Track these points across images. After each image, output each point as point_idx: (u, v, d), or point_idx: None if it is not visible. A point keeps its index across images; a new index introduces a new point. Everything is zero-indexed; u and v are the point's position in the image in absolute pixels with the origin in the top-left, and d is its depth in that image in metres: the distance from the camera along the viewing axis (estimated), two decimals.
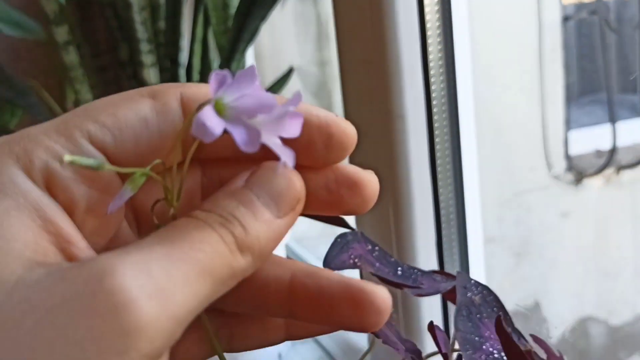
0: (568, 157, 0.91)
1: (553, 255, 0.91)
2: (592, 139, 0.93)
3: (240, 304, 0.23)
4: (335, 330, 0.24)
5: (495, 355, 0.29)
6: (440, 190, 0.54)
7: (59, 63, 0.87)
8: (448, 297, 0.34)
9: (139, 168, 0.20)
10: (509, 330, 0.27)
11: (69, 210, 0.20)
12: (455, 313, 0.30)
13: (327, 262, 0.31)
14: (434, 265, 0.55)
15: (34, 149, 0.19)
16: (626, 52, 0.92)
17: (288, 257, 1.03)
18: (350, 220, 0.55)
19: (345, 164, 0.23)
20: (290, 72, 0.84)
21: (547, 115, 0.88)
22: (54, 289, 0.17)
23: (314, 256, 0.99)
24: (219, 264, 0.19)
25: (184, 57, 0.78)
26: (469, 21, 0.54)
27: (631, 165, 0.92)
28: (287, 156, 0.20)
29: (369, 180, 0.23)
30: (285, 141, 0.20)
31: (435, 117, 0.52)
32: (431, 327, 0.31)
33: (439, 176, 0.53)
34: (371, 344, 0.32)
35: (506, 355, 0.27)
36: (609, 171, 0.92)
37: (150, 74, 0.76)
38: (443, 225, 0.54)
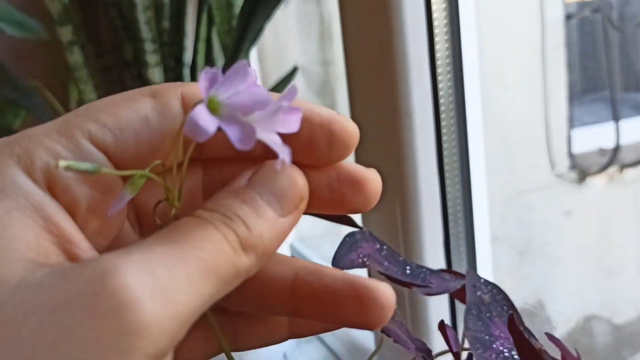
0: (571, 156, 0.91)
1: (556, 254, 0.91)
2: (595, 137, 0.93)
3: (244, 302, 0.23)
4: (339, 328, 0.24)
5: (506, 354, 0.29)
6: (448, 189, 0.54)
7: (61, 63, 0.87)
8: (456, 296, 0.34)
9: (137, 170, 0.20)
10: (521, 328, 0.27)
11: (71, 210, 0.20)
12: (465, 312, 0.30)
13: (335, 261, 0.31)
14: (441, 264, 0.55)
15: (35, 149, 0.19)
16: (629, 50, 0.92)
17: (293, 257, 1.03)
18: (357, 218, 0.55)
19: (347, 162, 0.23)
20: (294, 71, 0.84)
21: (550, 113, 0.88)
22: (56, 289, 0.17)
23: (318, 255, 0.99)
24: (222, 263, 0.19)
25: (188, 56, 0.78)
26: (476, 19, 0.54)
27: (634, 164, 0.92)
28: (283, 152, 0.20)
29: (372, 178, 0.23)
30: (288, 139, 0.20)
31: (442, 115, 0.52)
32: (442, 326, 0.31)
33: (446, 174, 0.53)
34: (379, 343, 0.32)
35: (519, 354, 0.27)
36: (612, 169, 0.92)
37: (155, 73, 0.76)
38: (450, 224, 0.54)
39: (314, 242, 1.04)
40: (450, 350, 0.30)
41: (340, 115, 0.22)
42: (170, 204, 0.21)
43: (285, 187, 0.20)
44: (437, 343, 0.31)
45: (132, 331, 0.16)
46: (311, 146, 0.22)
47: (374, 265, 0.32)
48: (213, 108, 0.19)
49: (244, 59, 0.71)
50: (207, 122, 0.18)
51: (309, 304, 0.23)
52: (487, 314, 0.30)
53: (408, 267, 0.33)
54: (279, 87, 0.82)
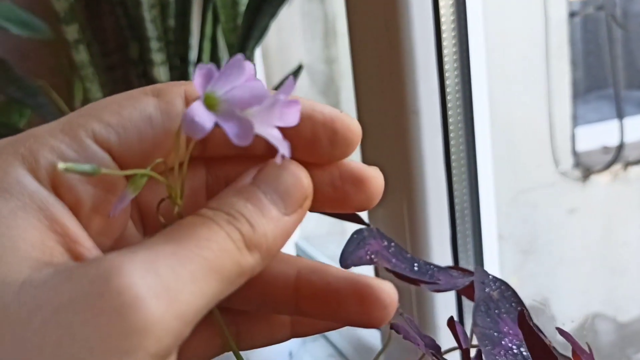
0: (575, 154, 0.91)
1: (560, 252, 0.91)
2: (599, 135, 0.93)
3: (247, 301, 0.24)
4: (342, 327, 0.24)
5: (514, 351, 0.29)
6: (455, 186, 0.54)
7: (66, 62, 0.87)
8: (464, 292, 0.34)
9: (138, 169, 0.20)
10: (530, 324, 0.27)
11: (75, 210, 0.20)
12: (473, 308, 0.30)
13: (343, 259, 0.31)
14: (448, 262, 0.56)
15: (39, 149, 0.19)
16: (633, 48, 0.92)
17: (298, 256, 1.03)
18: (364, 216, 0.55)
19: (350, 160, 0.23)
20: (299, 69, 0.84)
21: (554, 111, 0.88)
22: (60, 288, 0.17)
23: (323, 254, 0.99)
24: (226, 262, 0.19)
25: (193, 55, 0.78)
26: (484, 16, 0.54)
27: (638, 162, 0.92)
28: (282, 147, 0.20)
29: (374, 176, 0.23)
30: (291, 137, 0.20)
31: (449, 113, 0.52)
32: (451, 322, 0.31)
33: (454, 172, 0.53)
34: (386, 342, 0.32)
35: (529, 349, 0.27)
36: (616, 167, 0.91)
37: (160, 72, 0.76)
38: (457, 221, 0.54)
39: (319, 240, 1.04)
40: (460, 346, 0.30)
41: (342, 113, 0.22)
42: (173, 202, 0.21)
43: (289, 185, 0.21)
44: (444, 340, 0.31)
45: (136, 330, 0.16)
46: (314, 144, 0.22)
47: (381, 262, 0.32)
48: (211, 104, 0.19)
49: (249, 56, 0.71)
50: (204, 118, 0.18)
51: (311, 303, 0.23)
52: (496, 311, 0.30)
53: (416, 264, 0.33)
54: (281, 85, 0.82)
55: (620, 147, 0.91)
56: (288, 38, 1.11)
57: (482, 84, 0.55)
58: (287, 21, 1.07)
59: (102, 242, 0.21)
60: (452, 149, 0.53)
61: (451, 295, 0.57)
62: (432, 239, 0.54)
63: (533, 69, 0.87)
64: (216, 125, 0.19)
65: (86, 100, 0.84)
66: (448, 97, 0.53)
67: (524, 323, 0.28)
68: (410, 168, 0.53)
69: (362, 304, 0.22)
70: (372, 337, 0.77)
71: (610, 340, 0.89)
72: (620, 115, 0.91)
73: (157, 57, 0.75)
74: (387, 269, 0.32)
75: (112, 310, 0.16)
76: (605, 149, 0.92)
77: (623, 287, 0.91)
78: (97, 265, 0.17)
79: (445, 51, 0.52)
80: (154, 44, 0.75)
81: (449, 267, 0.34)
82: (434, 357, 0.29)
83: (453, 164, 0.54)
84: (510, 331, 0.30)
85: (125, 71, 0.79)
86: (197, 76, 0.19)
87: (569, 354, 0.29)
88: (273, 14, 0.65)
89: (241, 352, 0.25)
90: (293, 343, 0.84)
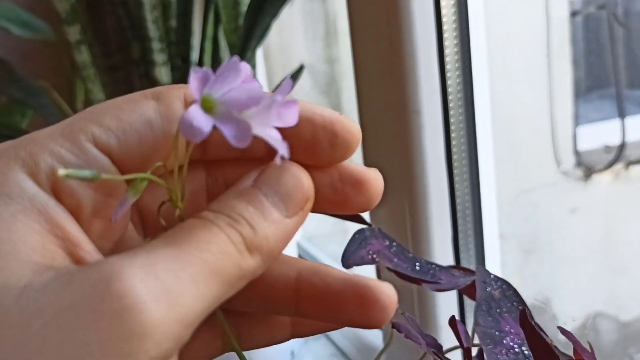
0: (577, 153, 0.91)
1: (562, 251, 0.91)
2: (600, 134, 0.93)
3: (247, 303, 0.24)
4: (341, 328, 0.24)
5: (516, 350, 0.29)
6: (457, 186, 0.54)
7: (68, 63, 0.87)
8: (466, 292, 0.34)
9: (138, 174, 0.20)
10: (532, 323, 0.27)
11: (75, 214, 0.20)
12: (475, 308, 0.30)
13: (345, 258, 0.32)
14: (450, 261, 0.56)
15: (39, 153, 0.19)
16: (634, 47, 0.92)
17: (300, 256, 1.03)
18: (366, 216, 0.55)
19: (349, 163, 0.23)
20: (300, 69, 0.84)
21: (555, 111, 0.88)
22: (61, 292, 0.17)
23: (325, 254, 0.99)
24: (227, 264, 0.19)
25: (195, 55, 0.78)
26: (485, 16, 0.54)
27: None
28: (281, 147, 0.20)
29: (374, 178, 0.23)
30: (291, 140, 0.20)
31: (451, 113, 0.52)
32: (453, 322, 0.31)
33: (455, 171, 0.53)
34: (388, 341, 0.32)
35: (530, 349, 0.27)
36: (618, 167, 0.91)
37: (162, 72, 0.76)
38: (459, 221, 0.54)
39: (320, 240, 1.04)
40: (461, 345, 0.30)
41: (342, 115, 0.22)
42: (174, 204, 0.21)
43: (290, 187, 0.21)
44: (446, 339, 0.31)
45: (136, 334, 0.16)
46: (314, 147, 0.22)
47: (383, 262, 0.32)
48: (208, 107, 0.19)
49: (250, 56, 0.71)
50: (202, 122, 0.18)
51: (311, 304, 0.23)
52: (497, 310, 0.30)
53: (417, 264, 0.33)
54: None
55: (622, 147, 0.90)
56: (289, 38, 1.11)
57: (483, 83, 0.55)
58: (289, 21, 1.07)
59: (102, 246, 0.21)
60: (454, 149, 0.53)
61: (453, 295, 0.57)
62: (434, 239, 0.54)
63: (534, 68, 0.87)
64: (214, 127, 0.19)
65: (88, 101, 0.84)
66: (449, 97, 0.53)
67: (525, 322, 0.28)
68: (412, 167, 0.53)
69: (361, 305, 0.22)
70: (374, 336, 0.77)
71: (612, 339, 0.89)
72: (621, 115, 0.91)
73: (159, 57, 0.76)
74: (388, 269, 0.32)
75: (113, 314, 0.16)
76: (607, 148, 0.92)
77: (625, 287, 0.91)
78: (98, 269, 0.17)
79: (446, 51, 0.52)
80: (156, 45, 0.75)
81: (451, 267, 0.34)
82: (435, 356, 0.29)
83: (454, 164, 0.54)
84: (512, 330, 0.30)
85: (127, 72, 0.79)
86: (193, 79, 0.19)
87: (571, 353, 0.29)
88: (274, 14, 0.65)
89: (243, 352, 0.25)
90: (295, 342, 0.84)
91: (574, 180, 0.91)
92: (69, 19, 0.77)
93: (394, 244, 0.34)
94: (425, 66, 0.51)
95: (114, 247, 0.22)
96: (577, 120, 0.90)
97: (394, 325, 0.29)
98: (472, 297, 0.32)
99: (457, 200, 0.54)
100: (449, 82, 0.53)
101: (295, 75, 0.82)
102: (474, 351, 0.31)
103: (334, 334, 0.84)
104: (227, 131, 0.19)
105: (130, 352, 0.16)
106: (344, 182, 0.23)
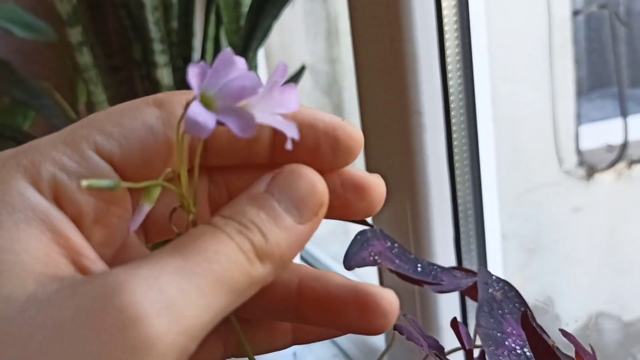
0: (579, 152, 0.90)
1: (565, 251, 0.91)
2: (603, 133, 0.93)
3: (249, 309, 0.23)
4: (343, 334, 0.24)
5: (518, 351, 0.29)
6: (458, 186, 0.54)
7: (69, 64, 0.88)
8: (467, 293, 0.34)
9: (152, 181, 0.20)
10: (534, 324, 0.27)
11: (77, 222, 0.20)
12: (477, 309, 0.30)
13: (347, 259, 0.32)
14: (452, 262, 0.56)
15: (41, 161, 0.19)
16: (636, 46, 0.92)
17: (301, 256, 1.03)
18: (367, 217, 0.55)
19: (351, 168, 0.23)
20: (302, 69, 0.84)
21: (557, 110, 0.88)
22: (63, 305, 0.17)
23: (326, 254, 0.99)
24: (236, 273, 0.18)
25: (196, 56, 0.78)
26: (486, 15, 0.54)
27: None
28: (289, 130, 0.19)
29: (376, 184, 0.23)
30: (292, 145, 0.20)
31: (452, 113, 0.52)
32: (454, 323, 0.31)
33: (457, 172, 0.53)
34: (390, 342, 0.32)
35: (532, 350, 0.27)
36: (621, 166, 0.91)
37: (164, 73, 0.76)
38: (461, 222, 0.54)
39: (322, 240, 1.04)
40: (463, 347, 0.30)
41: (344, 121, 0.22)
42: (187, 209, 0.21)
43: (304, 193, 0.20)
44: (448, 340, 0.31)
45: (138, 347, 0.16)
46: (316, 153, 0.22)
47: (385, 263, 0.32)
48: (207, 103, 0.19)
49: (252, 57, 0.71)
50: (205, 117, 0.18)
51: (313, 310, 0.23)
52: (499, 311, 0.30)
53: (419, 265, 0.33)
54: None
55: (625, 146, 0.90)
56: (291, 38, 1.11)
57: (484, 83, 0.55)
58: (290, 22, 1.07)
59: (104, 253, 0.21)
60: (455, 149, 0.53)
61: (454, 296, 0.57)
62: (436, 240, 0.54)
63: (536, 67, 0.86)
64: (219, 123, 0.19)
65: (90, 102, 0.85)
66: (451, 97, 0.53)
67: (527, 324, 0.28)
68: (413, 168, 0.53)
69: (363, 311, 0.22)
70: (376, 337, 0.77)
71: (615, 339, 0.89)
72: (624, 114, 0.90)
73: (161, 58, 0.76)
74: (390, 270, 0.32)
75: (114, 327, 0.16)
76: (610, 147, 0.92)
77: (628, 286, 0.91)
78: (101, 282, 0.17)
79: (448, 51, 0.52)
80: (157, 46, 0.75)
81: (453, 268, 0.34)
82: (437, 358, 0.29)
83: (456, 164, 0.54)
84: (514, 332, 0.30)
85: (129, 73, 0.79)
86: (192, 76, 0.18)
87: (573, 354, 0.29)
88: (276, 14, 0.65)
89: (243, 357, 0.25)
90: None
91: (576, 180, 0.91)
92: (71, 21, 0.77)
93: (396, 245, 0.34)
94: (426, 66, 0.51)
95: (116, 254, 0.22)
96: (579, 119, 0.90)
97: (395, 327, 0.29)
98: (474, 299, 0.32)
99: (459, 201, 0.54)
100: (450, 82, 0.53)
101: (296, 76, 0.82)
102: (476, 353, 0.31)
103: None
104: (231, 123, 0.19)
105: None
106: (345, 188, 0.23)
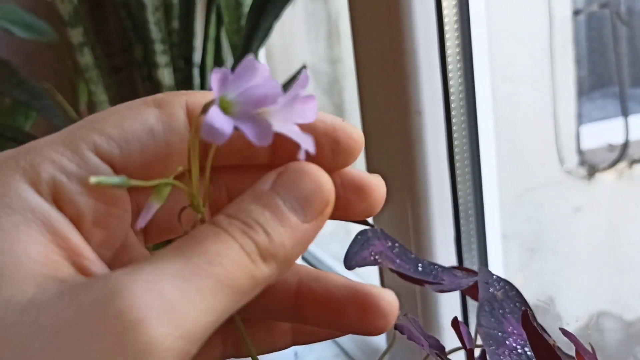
0: (580, 152, 0.90)
1: (566, 250, 0.91)
2: (604, 133, 0.93)
3: (248, 309, 0.23)
4: (343, 335, 0.24)
5: (519, 351, 0.29)
6: (459, 186, 0.54)
7: (70, 65, 0.88)
8: (468, 292, 0.34)
9: (162, 179, 0.20)
10: (534, 324, 0.27)
11: (77, 223, 0.20)
12: (477, 309, 0.30)
13: (348, 259, 0.32)
14: (453, 262, 0.56)
15: (40, 162, 0.19)
16: (637, 45, 0.91)
17: (303, 256, 1.03)
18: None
19: (351, 169, 0.23)
20: (303, 69, 0.84)
21: (558, 110, 0.88)
22: (63, 310, 0.17)
23: (327, 254, 0.99)
24: (239, 275, 0.18)
25: (197, 56, 0.78)
26: (487, 15, 0.54)
27: None
28: (305, 142, 0.19)
29: (376, 184, 0.23)
30: (292, 145, 0.20)
31: (453, 113, 0.52)
32: (455, 323, 0.31)
33: (457, 172, 0.53)
34: (391, 342, 0.32)
35: (533, 350, 0.27)
36: (622, 165, 0.91)
37: (164, 74, 0.76)
38: (462, 221, 0.54)
39: (323, 240, 1.04)
40: (464, 346, 0.30)
41: (344, 122, 0.22)
42: (196, 209, 0.21)
43: (310, 192, 0.20)
44: (449, 340, 0.31)
45: (138, 352, 0.16)
46: (316, 153, 0.22)
47: (386, 263, 0.32)
48: (224, 107, 0.19)
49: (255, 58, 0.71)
50: (223, 123, 0.18)
51: (312, 311, 0.23)
52: (500, 311, 0.30)
53: (420, 265, 0.33)
54: (287, 86, 0.82)
55: (626, 145, 0.90)
56: (291, 39, 1.11)
57: (485, 82, 0.55)
58: (291, 22, 1.07)
59: (103, 254, 0.21)
60: (456, 149, 0.53)
61: (455, 296, 0.57)
62: (436, 239, 0.54)
63: (537, 67, 0.86)
64: (234, 128, 0.18)
65: (91, 102, 0.85)
66: (451, 97, 0.53)
67: (527, 323, 0.28)
68: (414, 168, 0.53)
69: (362, 312, 0.22)
70: (377, 337, 0.77)
71: (616, 338, 0.89)
72: (625, 113, 0.90)
73: (161, 59, 0.76)
74: (391, 270, 0.32)
75: (113, 332, 0.16)
76: (611, 147, 0.92)
77: (629, 285, 0.91)
78: (100, 285, 0.17)
79: (448, 51, 0.52)
80: (158, 46, 0.75)
81: (453, 267, 0.34)
82: (438, 358, 0.29)
83: (457, 164, 0.54)
84: (515, 331, 0.30)
85: (130, 73, 0.79)
86: (214, 80, 0.18)
87: (574, 353, 0.29)
88: (277, 15, 0.65)
89: (243, 357, 0.25)
90: None
91: (577, 179, 0.91)
92: (72, 21, 0.77)
93: (397, 244, 0.34)
94: (426, 66, 0.52)
95: (115, 254, 0.22)
96: (580, 119, 0.89)
97: (396, 327, 0.29)
98: (475, 298, 0.32)
99: (460, 200, 0.54)
100: (450, 82, 0.53)
101: (297, 76, 0.83)
102: (477, 352, 0.31)
103: None
104: (248, 130, 0.18)
105: None
106: (346, 189, 0.22)
